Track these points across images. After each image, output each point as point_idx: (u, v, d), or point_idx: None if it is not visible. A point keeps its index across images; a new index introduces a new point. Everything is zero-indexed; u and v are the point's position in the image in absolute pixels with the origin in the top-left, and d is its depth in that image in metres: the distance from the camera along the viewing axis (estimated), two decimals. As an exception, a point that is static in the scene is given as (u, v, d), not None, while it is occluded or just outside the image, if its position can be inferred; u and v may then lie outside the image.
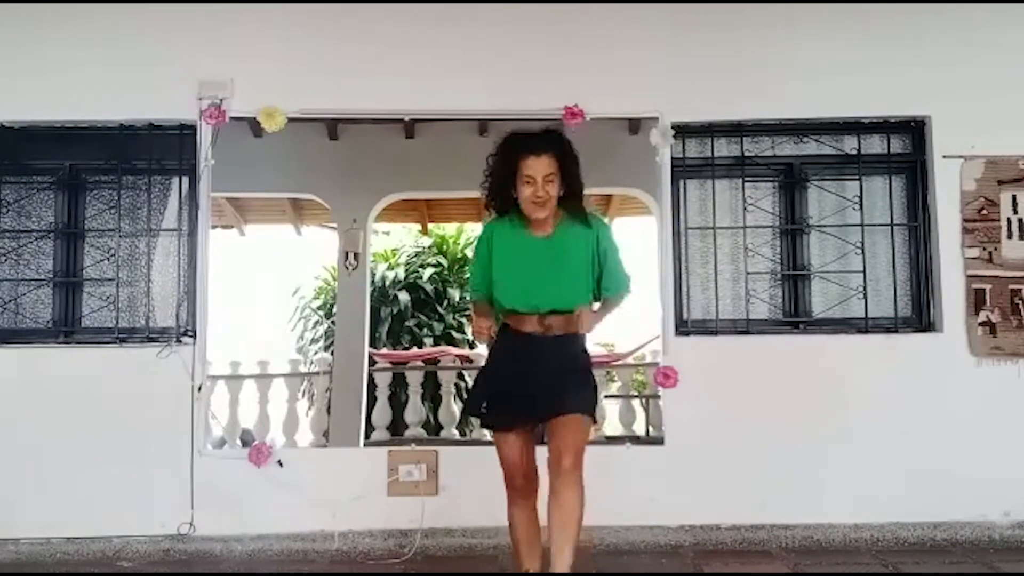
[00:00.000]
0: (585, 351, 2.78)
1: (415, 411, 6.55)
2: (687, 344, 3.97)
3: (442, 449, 4.01)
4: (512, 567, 2.79)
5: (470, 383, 7.12)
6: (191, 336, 3.91)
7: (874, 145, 4.17)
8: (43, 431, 3.84)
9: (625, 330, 8.92)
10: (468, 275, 2.85)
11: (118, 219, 4.05)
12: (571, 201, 2.72)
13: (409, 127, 5.43)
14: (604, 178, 5.91)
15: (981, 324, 3.95)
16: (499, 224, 2.78)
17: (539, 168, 2.60)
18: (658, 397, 4.91)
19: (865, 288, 4.08)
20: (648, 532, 3.83)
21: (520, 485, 2.69)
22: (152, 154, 4.02)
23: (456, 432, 6.57)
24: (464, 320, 8.38)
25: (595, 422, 2.81)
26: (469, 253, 8.72)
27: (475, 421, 5.32)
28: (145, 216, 4.05)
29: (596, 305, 2.79)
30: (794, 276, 4.14)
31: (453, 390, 6.80)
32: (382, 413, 6.51)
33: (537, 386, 2.64)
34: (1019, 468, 3.86)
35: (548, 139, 2.68)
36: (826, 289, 4.15)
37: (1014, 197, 4.00)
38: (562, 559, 2.48)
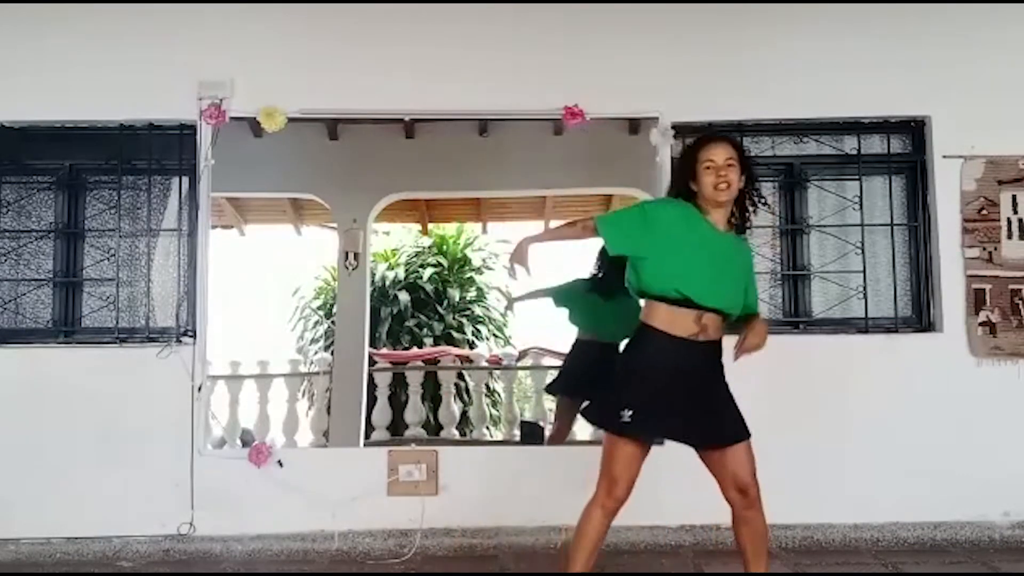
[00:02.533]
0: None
1: (415, 411, 6.56)
2: (687, 344, 3.96)
3: (442, 449, 4.01)
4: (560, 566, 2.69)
5: (470, 383, 7.16)
6: (191, 336, 3.91)
7: (874, 145, 4.17)
8: (43, 431, 3.84)
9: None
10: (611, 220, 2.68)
11: (118, 219, 4.05)
12: (739, 208, 2.73)
13: (409, 127, 5.44)
14: (604, 178, 5.93)
15: (981, 324, 3.95)
16: (684, 206, 2.64)
17: (720, 153, 2.61)
18: (658, 397, 4.91)
19: (865, 288, 4.08)
20: (648, 532, 3.83)
21: (623, 497, 2.59)
22: (152, 154, 4.02)
23: (456, 432, 6.58)
24: (464, 320, 8.39)
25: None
26: (469, 253, 8.74)
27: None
28: (145, 216, 4.05)
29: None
30: (794, 276, 4.14)
31: (453, 390, 6.81)
32: (382, 413, 6.51)
33: (698, 406, 2.56)
34: (1019, 468, 3.86)
35: (725, 136, 2.75)
36: (826, 289, 4.15)
37: (1014, 197, 4.00)
38: (762, 567, 2.62)
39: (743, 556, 2.65)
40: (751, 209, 2.77)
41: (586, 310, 4.80)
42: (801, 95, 4.05)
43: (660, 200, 2.80)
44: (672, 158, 2.80)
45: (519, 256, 2.65)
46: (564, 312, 4.89)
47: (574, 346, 4.95)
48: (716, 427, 2.59)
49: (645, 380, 2.55)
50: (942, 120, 4.03)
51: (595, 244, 3.04)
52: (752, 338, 2.63)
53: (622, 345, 2.77)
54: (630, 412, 2.50)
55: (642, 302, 2.63)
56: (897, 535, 3.83)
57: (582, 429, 5.06)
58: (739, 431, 2.63)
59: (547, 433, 5.09)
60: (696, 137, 2.76)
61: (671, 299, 2.53)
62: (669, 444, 3.91)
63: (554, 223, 7.38)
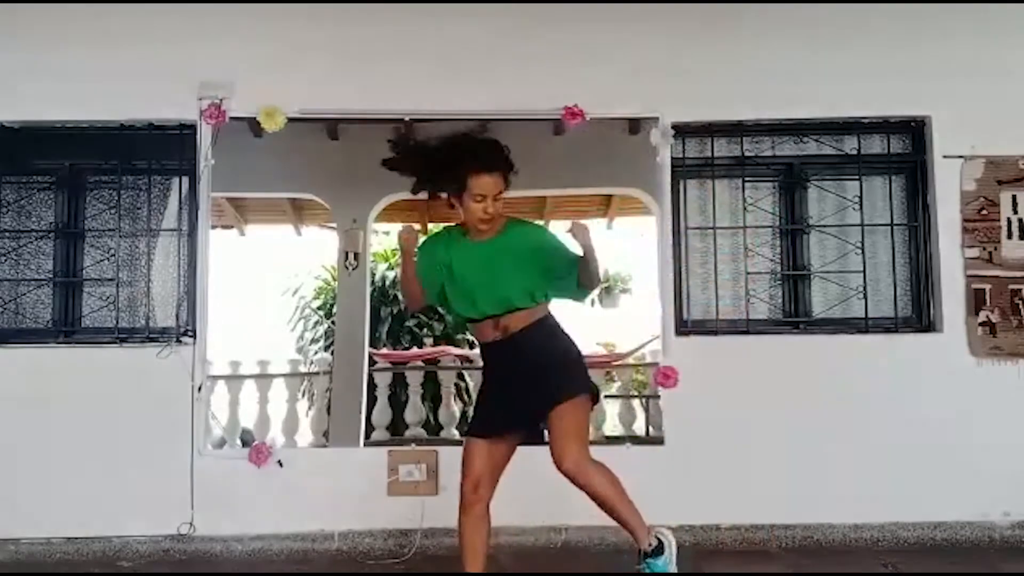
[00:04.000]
0: (555, 334, 2.74)
1: (415, 411, 6.56)
2: (687, 344, 3.97)
3: (442, 449, 4.01)
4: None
5: (470, 383, 7.16)
6: (191, 336, 3.91)
7: (874, 145, 4.18)
8: (43, 431, 3.84)
9: (625, 330, 8.95)
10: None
11: (118, 219, 4.05)
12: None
13: (409, 127, 5.42)
14: (604, 178, 5.92)
15: (981, 324, 3.95)
16: (437, 242, 2.85)
17: (491, 187, 2.61)
18: (658, 397, 4.90)
19: (865, 288, 4.08)
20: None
21: (468, 491, 2.67)
22: (152, 154, 4.02)
23: (456, 432, 6.57)
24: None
25: (593, 398, 2.72)
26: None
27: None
28: (145, 216, 4.05)
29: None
30: (794, 276, 4.14)
31: (453, 390, 6.81)
32: (382, 413, 6.51)
33: (514, 395, 2.66)
34: (1019, 468, 3.86)
35: (498, 155, 2.65)
36: (826, 289, 4.15)
37: (1014, 197, 4.00)
38: (636, 537, 2.70)
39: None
40: None
41: None
42: (801, 95, 4.05)
43: (422, 246, 2.83)
44: (431, 148, 2.70)
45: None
46: None
47: None
48: (538, 404, 2.64)
49: (482, 386, 2.84)
50: (942, 120, 4.03)
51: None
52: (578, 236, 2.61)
53: None
54: (474, 414, 2.82)
55: None
56: (897, 535, 3.83)
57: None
58: (554, 397, 2.63)
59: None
60: (466, 146, 2.66)
61: (469, 318, 2.78)
62: (669, 444, 3.94)
63: (554, 223, 7.41)
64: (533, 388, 2.64)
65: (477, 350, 7.71)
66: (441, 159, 2.66)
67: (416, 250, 2.76)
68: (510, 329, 2.67)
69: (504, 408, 2.68)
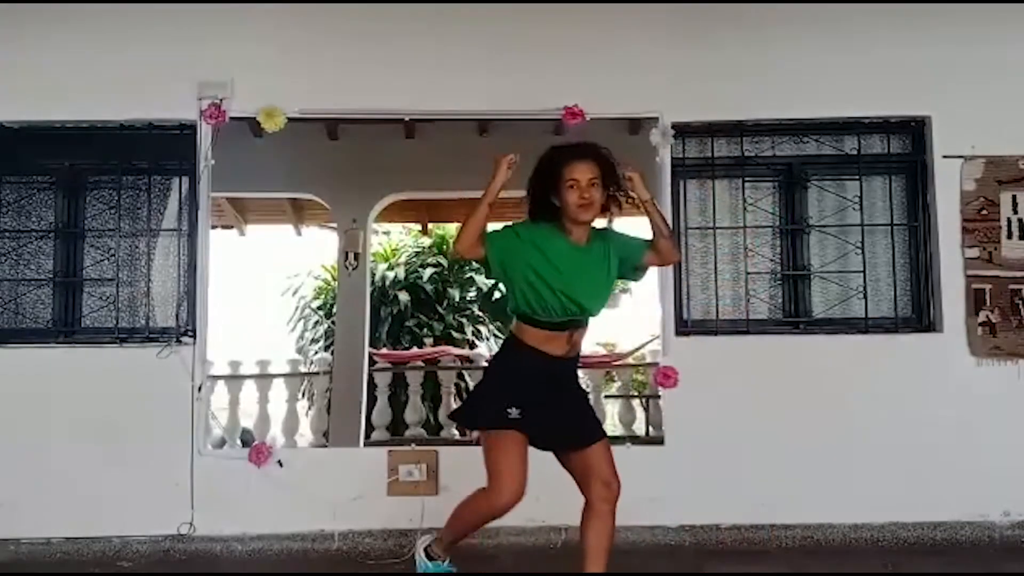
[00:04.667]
0: None
1: (415, 411, 6.56)
2: (687, 344, 3.98)
3: (442, 449, 4.01)
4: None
5: (470, 383, 7.16)
6: (191, 336, 3.91)
7: (874, 145, 4.18)
8: (43, 431, 3.84)
9: (625, 330, 8.95)
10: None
11: (118, 219, 4.05)
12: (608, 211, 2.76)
13: (409, 127, 5.44)
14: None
15: (981, 324, 3.95)
16: (538, 226, 2.71)
17: (584, 172, 2.62)
18: (658, 397, 4.91)
19: (865, 288, 4.08)
20: (648, 532, 3.82)
21: (510, 494, 2.61)
22: (152, 154, 4.02)
23: (456, 432, 6.57)
24: (464, 320, 8.39)
25: None
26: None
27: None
28: (145, 216, 4.05)
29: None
30: (794, 276, 4.14)
31: (453, 390, 6.81)
32: (382, 413, 6.51)
33: (564, 415, 2.70)
34: (1019, 468, 3.86)
35: (590, 148, 2.69)
36: (826, 289, 4.15)
37: (1014, 197, 4.00)
38: (600, 567, 2.67)
39: (584, 553, 2.67)
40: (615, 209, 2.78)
41: None
42: (801, 95, 4.05)
43: (525, 223, 2.76)
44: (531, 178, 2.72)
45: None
46: None
47: None
48: (586, 430, 2.73)
49: (522, 383, 2.67)
50: (942, 120, 4.03)
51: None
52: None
53: None
54: (518, 411, 2.62)
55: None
56: (897, 535, 3.82)
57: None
58: (600, 430, 2.79)
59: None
60: (557, 148, 2.70)
61: (541, 322, 2.65)
62: (669, 444, 3.95)
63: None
64: (582, 416, 2.75)
65: (477, 350, 7.78)
66: (541, 166, 2.68)
67: (503, 227, 2.73)
68: (576, 349, 2.72)
69: (547, 422, 2.65)
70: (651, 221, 2.78)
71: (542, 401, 2.63)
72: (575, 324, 2.68)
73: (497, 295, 8.24)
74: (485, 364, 7.14)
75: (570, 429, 2.70)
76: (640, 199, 2.74)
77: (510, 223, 2.78)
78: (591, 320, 2.76)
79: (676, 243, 2.81)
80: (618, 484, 2.66)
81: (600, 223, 2.79)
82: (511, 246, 2.68)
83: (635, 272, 2.84)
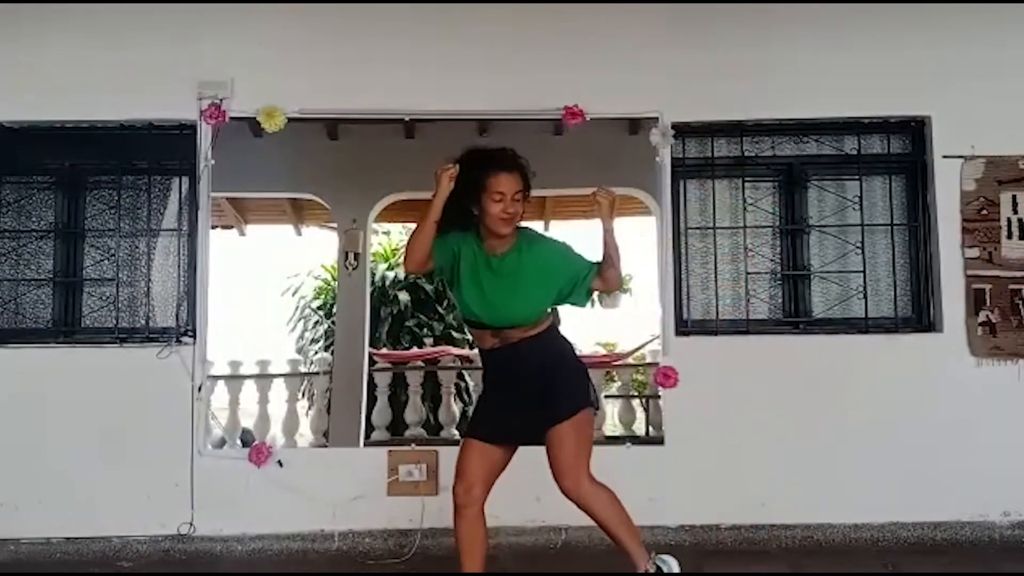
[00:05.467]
0: (556, 340, 2.73)
1: (415, 411, 6.56)
2: (687, 344, 3.97)
3: (442, 449, 4.00)
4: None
5: (470, 383, 7.16)
6: (191, 336, 3.91)
7: (874, 145, 4.18)
8: (43, 431, 3.84)
9: (625, 330, 8.95)
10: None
11: (118, 219, 4.05)
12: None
13: (409, 127, 5.43)
14: (604, 178, 5.89)
15: (981, 324, 3.95)
16: (465, 237, 2.68)
17: (511, 185, 2.59)
18: (658, 397, 4.91)
19: (865, 288, 4.08)
20: (648, 532, 3.80)
21: (460, 491, 2.67)
22: (152, 154, 4.02)
23: (456, 432, 6.57)
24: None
25: (595, 409, 2.73)
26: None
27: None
28: (145, 216, 4.05)
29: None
30: (794, 276, 4.14)
31: (453, 390, 6.81)
32: (382, 413, 6.51)
33: (516, 405, 2.64)
34: (1019, 468, 3.86)
35: (515, 159, 2.66)
36: (826, 289, 4.15)
37: (1014, 197, 4.00)
38: (633, 561, 2.70)
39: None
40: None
41: None
42: (801, 95, 4.05)
43: (450, 235, 2.71)
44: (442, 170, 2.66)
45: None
46: None
47: None
48: (539, 420, 2.63)
49: (483, 387, 2.84)
50: (942, 120, 4.03)
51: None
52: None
53: None
54: (475, 416, 2.81)
55: None
56: (897, 535, 3.83)
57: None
58: (557, 415, 2.62)
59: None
60: (481, 153, 2.66)
61: (472, 322, 2.74)
62: (669, 444, 3.94)
63: (555, 223, 7.40)
64: (537, 402, 2.62)
65: (477, 350, 7.78)
66: (462, 172, 2.62)
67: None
68: (509, 339, 2.66)
69: (505, 416, 2.67)
70: (605, 248, 2.71)
71: (502, 399, 2.69)
72: (500, 327, 2.66)
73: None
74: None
75: (526, 422, 2.63)
76: (603, 224, 2.69)
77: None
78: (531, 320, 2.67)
79: (621, 274, 2.75)
80: (565, 484, 2.60)
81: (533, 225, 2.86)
82: (445, 258, 2.68)
83: (582, 293, 2.73)
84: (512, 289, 2.63)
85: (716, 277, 4.07)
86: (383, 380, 6.66)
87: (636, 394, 7.31)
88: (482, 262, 2.66)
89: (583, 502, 2.63)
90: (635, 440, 6.04)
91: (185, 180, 4.03)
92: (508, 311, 2.64)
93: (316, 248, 8.40)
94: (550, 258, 2.70)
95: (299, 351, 8.26)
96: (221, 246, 5.23)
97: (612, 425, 6.90)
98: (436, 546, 3.74)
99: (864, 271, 4.09)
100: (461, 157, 2.65)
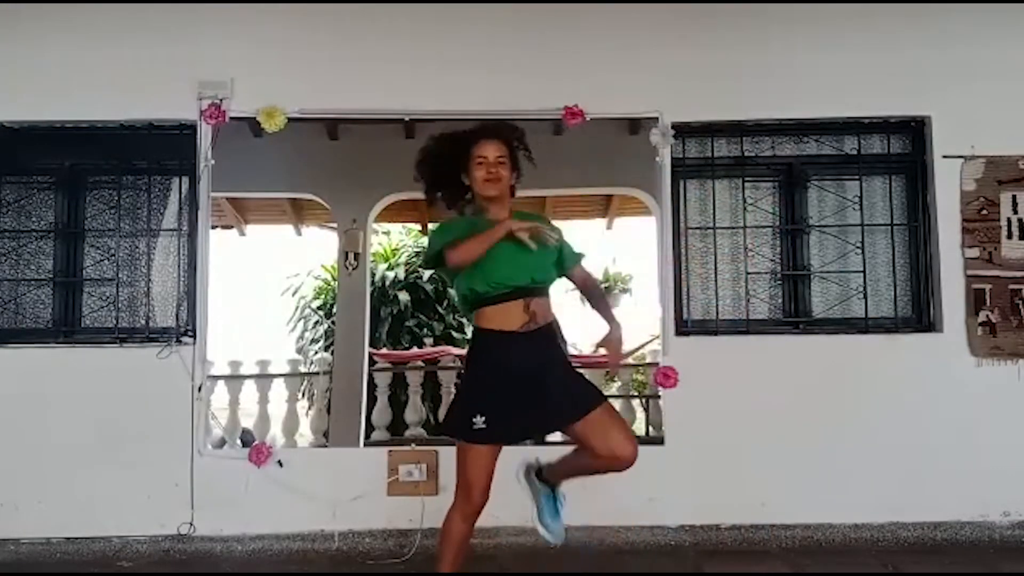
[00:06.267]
0: (562, 339, 2.72)
1: (415, 411, 6.55)
2: (687, 344, 3.98)
3: (442, 449, 3.99)
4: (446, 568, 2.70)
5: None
6: (191, 336, 3.91)
7: (874, 145, 4.18)
8: (43, 431, 3.84)
9: (625, 330, 8.94)
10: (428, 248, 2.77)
11: (118, 219, 4.06)
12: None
13: (409, 127, 5.42)
14: (604, 178, 5.93)
15: (981, 324, 3.95)
16: (463, 220, 2.74)
17: (491, 150, 2.66)
18: (658, 397, 4.91)
19: (865, 288, 4.08)
20: (648, 532, 3.83)
21: (481, 502, 2.61)
22: (152, 154, 4.02)
23: (456, 432, 6.55)
24: (464, 320, 8.39)
25: None
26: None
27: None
28: (145, 216, 4.05)
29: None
30: (794, 276, 4.14)
31: (453, 390, 6.80)
32: (382, 413, 6.51)
33: (545, 393, 2.56)
34: (1019, 468, 3.87)
35: (497, 127, 2.76)
36: (826, 289, 4.15)
37: (1014, 197, 4.00)
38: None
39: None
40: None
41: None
42: (801, 95, 4.05)
43: (448, 222, 2.80)
44: (426, 157, 2.79)
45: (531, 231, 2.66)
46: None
47: None
48: (577, 403, 2.58)
49: (487, 388, 2.58)
50: (942, 120, 4.03)
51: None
52: (611, 356, 2.66)
53: None
54: (483, 418, 2.53)
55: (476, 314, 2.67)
56: (897, 535, 3.83)
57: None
58: (596, 396, 2.63)
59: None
60: (458, 132, 2.75)
61: (494, 295, 2.60)
62: (669, 444, 3.94)
63: (554, 223, 7.39)
64: (567, 390, 2.59)
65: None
66: (445, 148, 2.71)
67: (447, 224, 2.76)
68: (538, 318, 2.59)
69: (529, 411, 2.55)
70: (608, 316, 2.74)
71: (513, 394, 2.54)
72: (526, 292, 2.60)
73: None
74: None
75: (553, 409, 2.57)
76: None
77: (450, 220, 2.80)
78: (551, 293, 2.69)
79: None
80: (632, 450, 2.54)
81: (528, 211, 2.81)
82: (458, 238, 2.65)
83: (560, 267, 2.77)
84: (524, 250, 2.58)
85: (716, 277, 4.07)
86: (383, 380, 6.65)
87: (636, 394, 7.30)
88: (490, 226, 2.63)
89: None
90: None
91: (185, 180, 4.03)
92: (531, 265, 2.60)
93: (316, 248, 8.39)
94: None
95: (299, 351, 8.25)
96: (221, 246, 5.23)
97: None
98: (436, 546, 3.74)
99: (864, 271, 4.09)
100: (446, 139, 2.74)
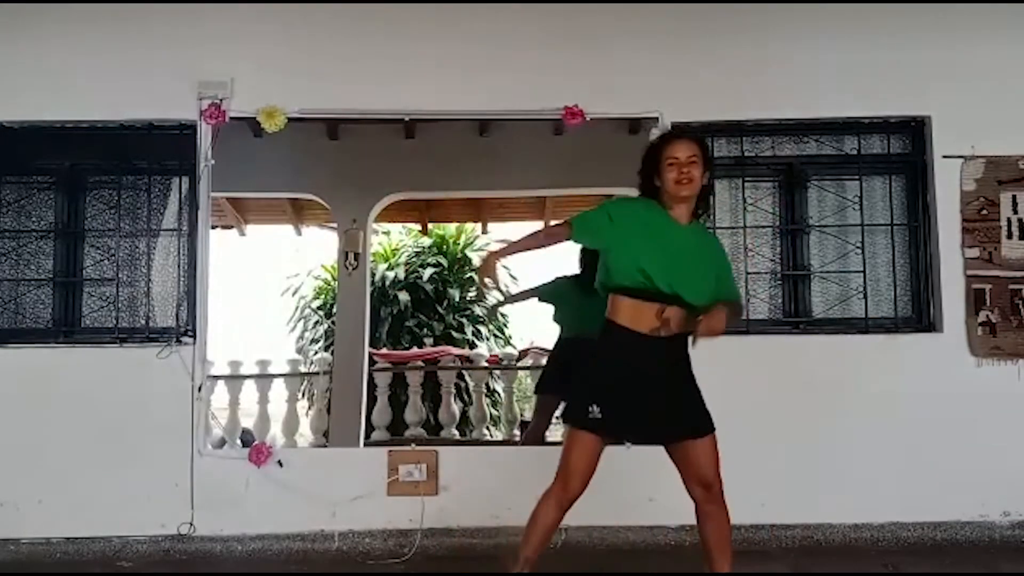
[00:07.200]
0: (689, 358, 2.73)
1: (415, 411, 6.56)
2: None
3: (442, 449, 4.01)
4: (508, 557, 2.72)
5: (470, 383, 7.16)
6: (191, 336, 3.91)
7: (874, 145, 4.18)
8: (43, 431, 3.84)
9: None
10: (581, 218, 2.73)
11: (118, 219, 4.06)
12: (701, 204, 2.76)
13: (409, 127, 5.43)
14: (604, 178, 5.91)
15: (981, 324, 3.95)
16: (645, 201, 2.72)
17: (682, 149, 2.64)
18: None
19: (865, 288, 4.08)
20: (648, 532, 3.83)
21: (578, 491, 2.63)
22: (152, 154, 4.02)
23: (456, 432, 6.57)
24: (464, 320, 8.39)
25: None
26: (469, 253, 8.75)
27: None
28: (145, 216, 4.05)
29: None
30: (794, 276, 4.14)
31: (453, 390, 6.80)
32: (382, 413, 6.51)
33: (663, 403, 2.62)
34: (1019, 468, 3.87)
35: (688, 132, 2.88)
36: (826, 289, 4.15)
37: (1014, 197, 4.00)
38: (726, 563, 2.68)
39: (707, 554, 2.70)
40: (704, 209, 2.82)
41: (569, 308, 4.82)
42: (801, 95, 4.05)
43: (623, 197, 2.87)
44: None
45: (487, 270, 2.64)
46: (549, 310, 4.93)
47: (557, 344, 4.98)
48: (679, 422, 2.64)
49: (607, 379, 2.61)
50: (942, 120, 4.03)
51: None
52: (705, 322, 2.55)
53: None
54: (598, 408, 2.56)
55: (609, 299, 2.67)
56: (897, 535, 3.83)
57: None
58: (703, 425, 2.66)
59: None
60: (661, 136, 2.80)
61: (633, 289, 2.59)
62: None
63: (554, 223, 7.39)
64: (686, 407, 2.65)
65: (477, 350, 7.78)
66: (645, 155, 2.73)
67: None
68: (671, 326, 2.58)
69: (643, 415, 2.60)
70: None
71: (631, 393, 2.58)
72: (664, 298, 2.57)
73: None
74: (485, 364, 7.18)
75: (661, 423, 2.62)
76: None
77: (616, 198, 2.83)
78: (691, 308, 2.60)
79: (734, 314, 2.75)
80: (719, 484, 2.65)
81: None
82: (619, 219, 2.67)
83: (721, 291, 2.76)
84: (692, 261, 2.61)
85: (716, 277, 4.06)
86: (383, 380, 6.65)
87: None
88: (670, 227, 2.65)
89: (722, 504, 2.68)
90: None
91: (185, 180, 4.03)
92: (686, 278, 2.58)
93: (316, 248, 8.39)
94: (719, 246, 2.89)
95: (299, 351, 8.25)
96: (221, 246, 5.23)
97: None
98: (436, 546, 3.75)
99: (864, 271, 4.09)
100: (648, 147, 2.76)
